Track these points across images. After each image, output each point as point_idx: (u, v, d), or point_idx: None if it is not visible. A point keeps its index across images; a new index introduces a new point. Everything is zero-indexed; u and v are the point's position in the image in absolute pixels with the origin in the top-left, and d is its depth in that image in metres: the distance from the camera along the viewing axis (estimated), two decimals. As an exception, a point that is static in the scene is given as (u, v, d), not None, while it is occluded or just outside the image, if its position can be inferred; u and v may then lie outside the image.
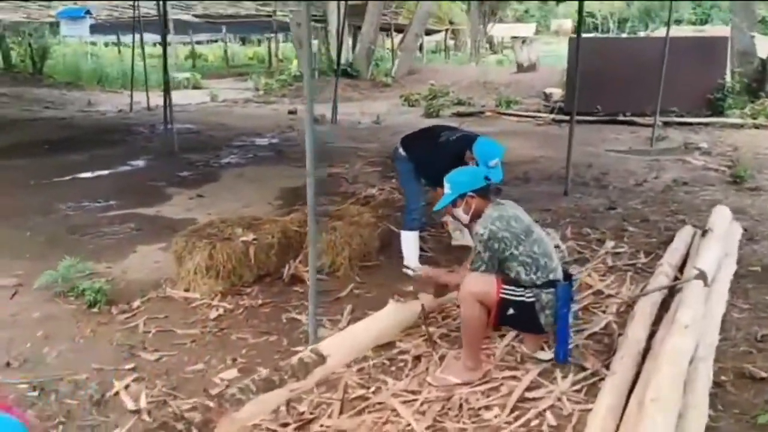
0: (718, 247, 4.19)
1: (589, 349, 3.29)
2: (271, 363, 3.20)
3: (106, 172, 7.74)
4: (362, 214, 4.76)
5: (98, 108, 14.53)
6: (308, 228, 3.16)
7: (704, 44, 12.38)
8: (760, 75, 12.62)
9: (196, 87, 19.76)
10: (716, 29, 23.94)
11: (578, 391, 2.93)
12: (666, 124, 10.54)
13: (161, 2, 9.80)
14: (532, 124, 12.00)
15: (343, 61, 18.12)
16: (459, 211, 3.21)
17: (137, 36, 13.17)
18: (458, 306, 3.16)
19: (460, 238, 4.92)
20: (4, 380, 3.12)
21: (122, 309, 3.92)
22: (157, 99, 12.32)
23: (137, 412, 2.88)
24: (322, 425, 2.75)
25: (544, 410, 2.80)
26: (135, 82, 13.84)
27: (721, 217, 4.84)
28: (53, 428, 2.77)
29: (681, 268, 4.18)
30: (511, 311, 2.95)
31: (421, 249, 4.74)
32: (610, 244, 4.91)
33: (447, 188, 3.20)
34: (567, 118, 8.45)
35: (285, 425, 2.73)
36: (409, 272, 4.34)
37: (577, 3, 6.93)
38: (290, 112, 13.46)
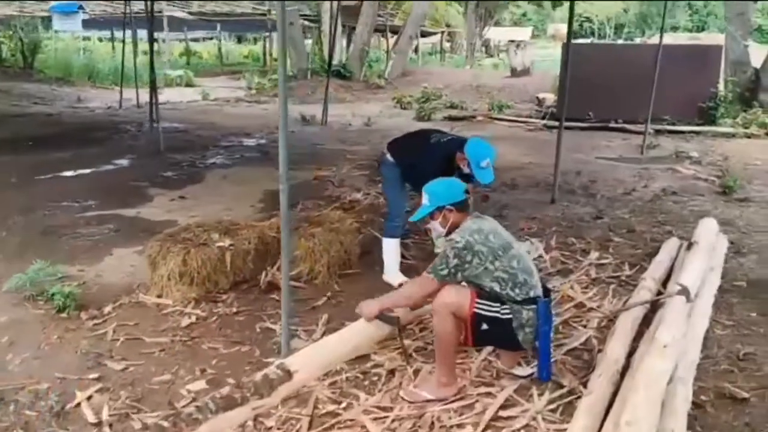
0: (703, 261, 4.12)
1: (567, 366, 3.21)
2: (241, 375, 3.11)
3: (88, 171, 7.62)
4: (343, 220, 4.66)
5: (88, 104, 14.40)
6: (281, 238, 3.06)
7: (698, 52, 12.36)
8: (753, 84, 12.61)
9: (188, 85, 19.66)
10: (712, 37, 23.96)
11: (554, 410, 2.84)
12: (657, 131, 10.50)
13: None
14: (524, 129, 11.94)
15: (336, 61, 18.08)
16: (435, 224, 3.10)
17: (129, 32, 13.06)
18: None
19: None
20: (-38, 389, 3.02)
21: (92, 315, 3.81)
22: (147, 96, 12.15)
23: (98, 424, 2.78)
24: (288, 442, 2.66)
25: (518, 430, 2.72)
26: (127, 79, 13.70)
27: (706, 230, 4.77)
28: (9, 441, 2.68)
29: (665, 282, 4.11)
30: (484, 326, 2.86)
31: (403, 256, 4.66)
32: (594, 255, 4.84)
33: (425, 199, 3.10)
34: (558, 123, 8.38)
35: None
36: (391, 281, 4.29)
37: (574, 8, 6.87)
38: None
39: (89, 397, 2.97)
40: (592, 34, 50.40)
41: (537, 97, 14.25)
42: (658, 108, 9.44)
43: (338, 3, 14.01)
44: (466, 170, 3.90)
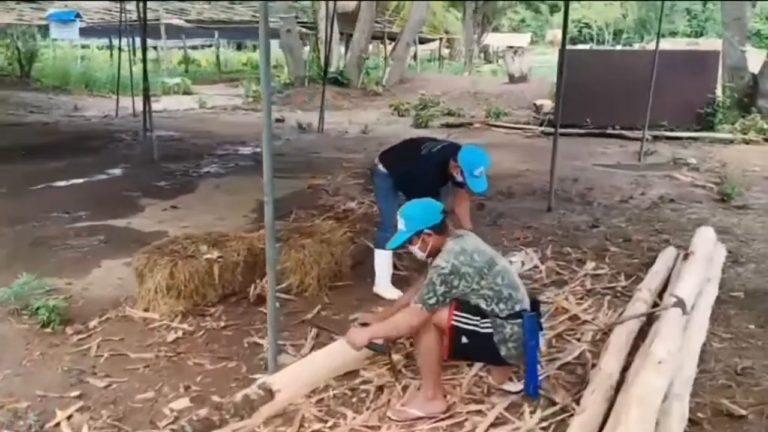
0: (700, 272, 4.04)
1: (560, 381, 3.13)
2: (226, 392, 3.04)
3: (81, 180, 7.56)
4: (334, 230, 4.58)
5: (84, 113, 14.34)
6: (266, 251, 2.98)
7: (695, 58, 12.33)
8: (751, 90, 12.55)
9: (186, 93, 19.57)
10: (711, 42, 23.96)
11: (545, 428, 2.76)
12: (655, 138, 10.45)
13: (142, 7, 9.66)
14: (521, 136, 11.88)
15: (333, 68, 18.04)
16: (415, 249, 2.96)
17: (125, 40, 13.03)
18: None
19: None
20: (-61, 409, 2.94)
21: (77, 329, 3.73)
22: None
23: (77, 445, 2.71)
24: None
25: (509, 449, 2.64)
26: (124, 87, 13.63)
27: (704, 239, 4.69)
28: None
29: (662, 292, 4.03)
30: (464, 340, 2.78)
31: (396, 267, 4.58)
32: (590, 265, 4.77)
33: (401, 224, 2.96)
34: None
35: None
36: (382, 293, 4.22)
37: (571, 14, 6.81)
38: (277, 120, 13.28)
39: (69, 417, 2.89)
40: (591, 39, 50.41)
41: (534, 104, 14.18)
42: (655, 114, 9.39)
43: (334, 7, 13.93)
44: (459, 179, 3.84)
